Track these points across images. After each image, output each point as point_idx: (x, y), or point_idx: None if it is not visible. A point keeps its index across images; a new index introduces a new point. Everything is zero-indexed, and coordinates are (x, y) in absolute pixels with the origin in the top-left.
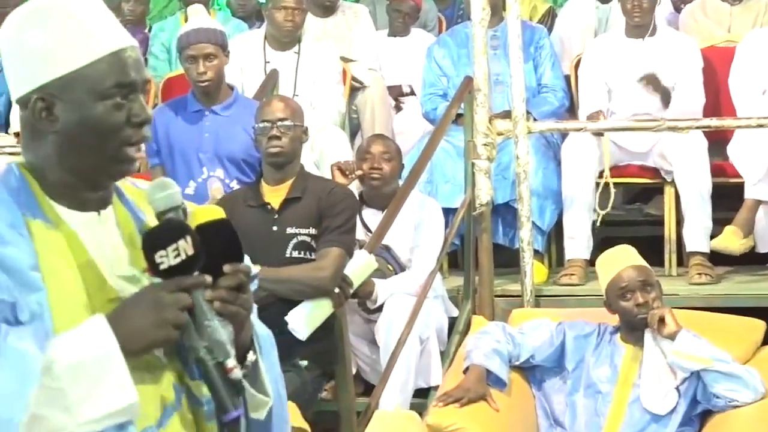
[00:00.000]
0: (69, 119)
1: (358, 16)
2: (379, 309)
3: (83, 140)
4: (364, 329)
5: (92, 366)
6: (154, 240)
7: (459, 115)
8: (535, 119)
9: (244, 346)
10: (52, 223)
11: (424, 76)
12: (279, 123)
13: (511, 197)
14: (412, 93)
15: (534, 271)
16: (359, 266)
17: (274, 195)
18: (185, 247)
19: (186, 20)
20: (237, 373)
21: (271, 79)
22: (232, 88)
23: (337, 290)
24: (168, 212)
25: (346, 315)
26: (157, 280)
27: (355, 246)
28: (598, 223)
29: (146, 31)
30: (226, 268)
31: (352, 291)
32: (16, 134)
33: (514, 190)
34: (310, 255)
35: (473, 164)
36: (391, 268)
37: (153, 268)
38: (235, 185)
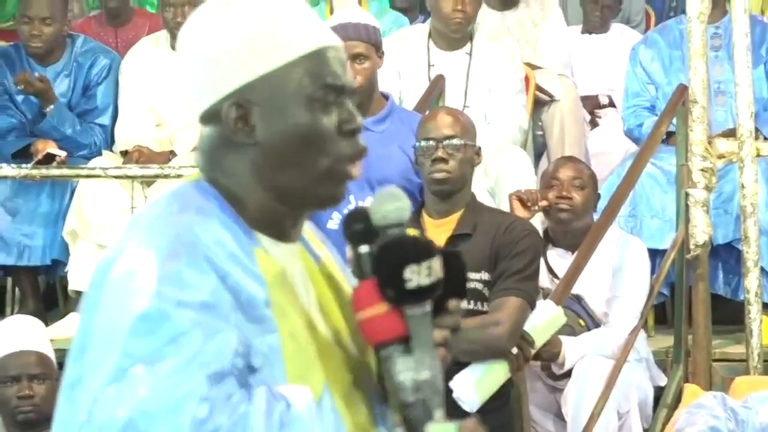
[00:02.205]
0: (270, 128)
1: (545, 9)
2: (568, 374)
3: (289, 153)
4: (548, 399)
5: None
6: (402, 252)
7: (670, 133)
8: (765, 138)
9: None
10: (269, 254)
11: (627, 84)
12: (446, 141)
13: (735, 236)
14: (612, 105)
15: (763, 329)
16: (543, 321)
17: (438, 230)
18: (437, 268)
19: (331, 12)
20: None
21: (437, 87)
22: (386, 97)
23: (515, 350)
24: (392, 228)
25: (526, 381)
26: None
27: (538, 295)
28: None
29: None
30: (452, 304)
31: (534, 351)
32: (123, 153)
33: (739, 227)
34: (483, 306)
35: (687, 194)
36: (582, 323)
37: (392, 286)
38: None
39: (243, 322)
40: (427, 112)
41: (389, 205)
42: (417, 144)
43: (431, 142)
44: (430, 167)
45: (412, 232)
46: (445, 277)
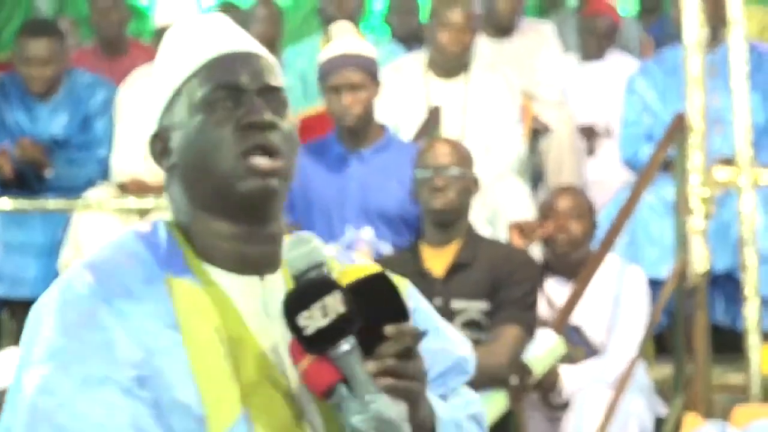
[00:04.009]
0: (180, 146)
1: (542, 38)
2: (566, 404)
3: (194, 164)
4: (546, 429)
5: None
6: (294, 301)
7: (668, 162)
8: (765, 167)
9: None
10: (200, 283)
11: (624, 113)
12: (443, 171)
13: (734, 265)
14: (609, 133)
15: (762, 357)
16: (543, 350)
17: (436, 260)
18: (334, 304)
19: (328, 42)
20: None
21: (434, 117)
22: (383, 127)
23: (514, 380)
24: (309, 272)
25: (524, 412)
26: None
27: (537, 324)
28: None
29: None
30: (388, 330)
31: (533, 381)
32: (120, 186)
33: (738, 255)
34: (482, 335)
35: (685, 223)
36: (581, 352)
37: (300, 339)
38: (387, 249)
39: (137, 352)
40: (424, 142)
41: (295, 251)
42: (415, 174)
43: (429, 172)
44: (427, 197)
45: (338, 270)
46: (376, 303)
